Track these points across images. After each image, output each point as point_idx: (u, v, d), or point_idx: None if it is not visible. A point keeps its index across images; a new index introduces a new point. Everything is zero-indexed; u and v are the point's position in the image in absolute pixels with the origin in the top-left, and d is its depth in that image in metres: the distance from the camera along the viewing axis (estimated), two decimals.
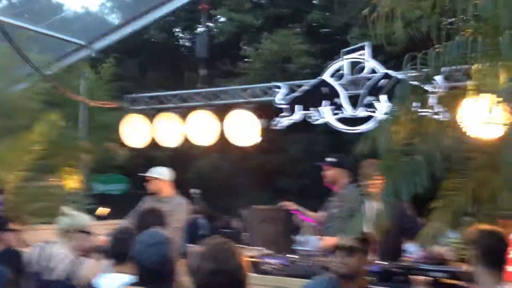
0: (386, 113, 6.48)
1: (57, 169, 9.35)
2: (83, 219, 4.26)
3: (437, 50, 2.94)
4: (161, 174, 6.03)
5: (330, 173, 5.67)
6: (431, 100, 3.30)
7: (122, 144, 10.26)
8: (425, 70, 2.93)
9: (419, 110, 3.13)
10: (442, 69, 3.16)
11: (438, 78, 5.20)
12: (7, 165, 6.85)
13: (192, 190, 6.65)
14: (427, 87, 3.20)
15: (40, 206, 6.77)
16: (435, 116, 3.23)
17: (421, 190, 2.57)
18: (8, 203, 6.40)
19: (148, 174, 6.05)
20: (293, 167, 15.51)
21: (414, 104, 3.08)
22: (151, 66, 18.53)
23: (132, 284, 2.91)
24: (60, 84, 10.14)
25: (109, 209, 10.33)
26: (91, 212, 9.81)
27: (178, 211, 5.82)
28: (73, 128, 10.64)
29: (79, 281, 3.79)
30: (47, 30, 10.86)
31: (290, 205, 5.43)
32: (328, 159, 5.90)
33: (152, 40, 18.80)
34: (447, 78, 5.28)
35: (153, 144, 9.74)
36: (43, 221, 7.17)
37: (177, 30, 19.90)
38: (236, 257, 2.17)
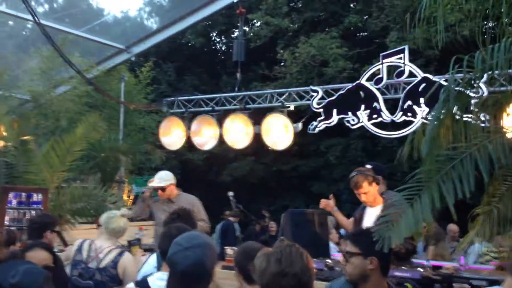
0: (427, 118, 6.39)
1: (97, 170, 9.56)
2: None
3: (483, 53, 2.88)
4: (172, 179, 5.98)
5: None
6: (475, 104, 3.24)
7: (159, 147, 10.42)
8: (470, 73, 2.87)
9: (463, 115, 3.07)
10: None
11: (482, 83, 5.10)
12: (50, 166, 7.02)
13: (229, 193, 6.64)
14: (470, 92, 3.14)
15: (81, 206, 6.92)
16: (479, 122, 3.16)
17: (467, 195, 2.52)
18: (50, 202, 6.56)
19: (158, 183, 5.96)
20: (328, 172, 15.42)
21: (457, 108, 3.02)
22: (188, 70, 18.74)
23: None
24: (101, 87, 10.37)
25: None
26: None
27: (196, 206, 5.80)
28: (112, 130, 10.87)
29: (120, 270, 4.03)
30: (88, 34, 11.15)
31: (328, 204, 5.36)
32: (367, 165, 5.84)
33: (189, 44, 19.03)
34: (490, 82, 5.16)
35: (189, 147, 9.86)
36: (83, 221, 7.35)
37: (213, 34, 20.08)
38: (303, 260, 2.21)
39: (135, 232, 5.84)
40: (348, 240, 2.88)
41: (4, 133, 7.19)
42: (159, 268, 3.50)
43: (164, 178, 5.94)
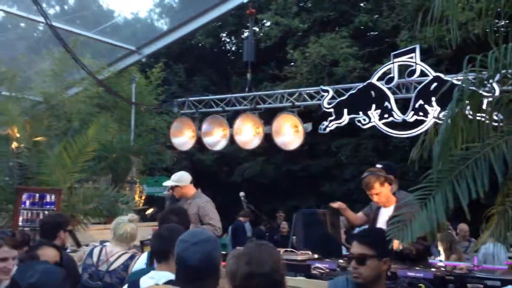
0: (439, 117, 6.35)
1: (109, 171, 9.61)
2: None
3: (496, 52, 2.86)
4: (182, 181, 6.10)
5: None
6: (488, 104, 3.22)
7: (170, 147, 10.45)
8: (483, 73, 2.85)
9: (476, 114, 3.05)
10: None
11: (493, 82, 5.07)
12: (62, 167, 7.07)
13: (240, 194, 6.63)
14: (482, 91, 3.12)
15: (93, 206, 6.96)
16: (491, 121, 3.14)
17: (481, 195, 2.51)
18: (63, 203, 6.61)
19: (170, 183, 6.17)
20: (339, 172, 15.38)
21: (470, 108, 3.01)
22: (198, 70, 18.78)
23: (170, 283, 2.94)
24: (112, 88, 10.42)
25: (154, 209, 10.51)
26: (139, 212, 10.06)
27: (203, 210, 5.87)
28: (124, 131, 10.92)
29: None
30: (99, 36, 11.21)
31: (335, 203, 5.39)
32: (378, 165, 5.83)
33: (199, 45, 19.07)
34: (503, 81, 5.13)
35: (200, 147, 9.89)
36: (96, 221, 7.40)
37: (223, 35, 20.11)
38: (272, 259, 2.16)
39: (148, 233, 5.93)
40: (359, 242, 2.84)
41: (17, 135, 7.26)
42: (149, 265, 3.57)
43: (173, 179, 6.09)
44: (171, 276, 3.09)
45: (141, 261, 3.84)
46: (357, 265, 2.79)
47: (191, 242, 2.46)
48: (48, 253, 3.48)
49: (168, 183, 6.22)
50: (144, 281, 3.06)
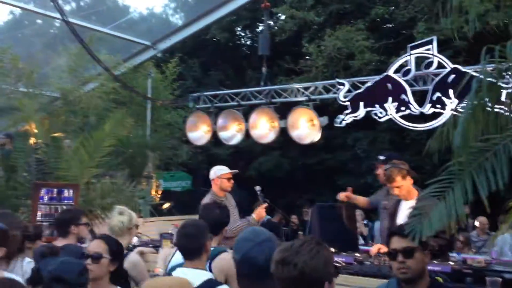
0: (456, 110, 6.28)
1: (126, 166, 9.68)
2: (134, 214, 4.40)
3: None
4: None
5: (382, 172, 5.56)
6: (506, 95, 3.17)
7: (186, 142, 10.49)
8: (503, 64, 2.80)
9: (494, 106, 3.01)
10: None
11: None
12: (80, 162, 7.12)
13: (256, 188, 6.63)
14: (501, 82, 3.07)
15: (110, 201, 7.00)
16: (509, 113, 3.09)
17: (501, 187, 2.47)
18: (80, 198, 6.67)
19: (228, 170, 6.11)
20: (355, 165, 15.30)
21: (488, 99, 2.96)
22: (213, 65, 18.79)
23: (211, 283, 2.95)
24: (128, 83, 10.49)
25: (170, 204, 10.54)
26: (156, 207, 10.12)
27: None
28: (140, 126, 10.99)
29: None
30: (114, 31, 11.28)
31: (346, 195, 5.41)
32: (380, 157, 5.82)
33: (214, 39, 19.06)
34: None
35: (216, 142, 9.90)
36: None
37: (238, 29, 20.07)
38: (311, 254, 2.03)
39: (170, 229, 6.06)
40: (401, 236, 2.80)
41: (35, 131, 7.33)
42: None
43: (226, 168, 6.01)
44: (206, 274, 3.09)
45: (178, 258, 3.84)
46: (404, 259, 2.75)
47: (256, 242, 2.46)
48: (92, 245, 3.50)
49: (226, 170, 6.09)
50: (177, 275, 3.07)
